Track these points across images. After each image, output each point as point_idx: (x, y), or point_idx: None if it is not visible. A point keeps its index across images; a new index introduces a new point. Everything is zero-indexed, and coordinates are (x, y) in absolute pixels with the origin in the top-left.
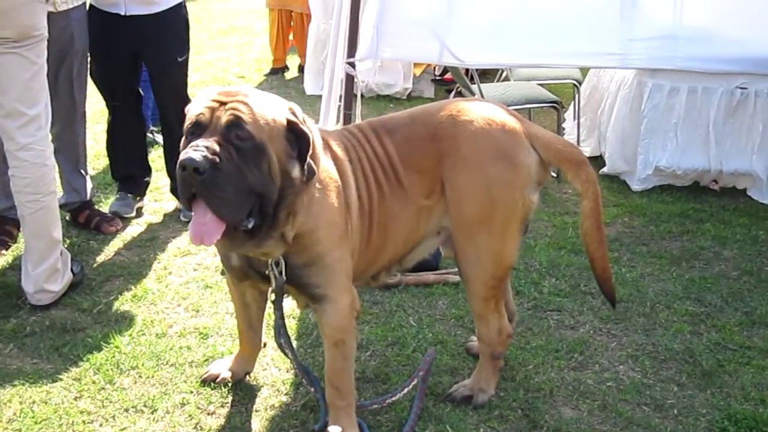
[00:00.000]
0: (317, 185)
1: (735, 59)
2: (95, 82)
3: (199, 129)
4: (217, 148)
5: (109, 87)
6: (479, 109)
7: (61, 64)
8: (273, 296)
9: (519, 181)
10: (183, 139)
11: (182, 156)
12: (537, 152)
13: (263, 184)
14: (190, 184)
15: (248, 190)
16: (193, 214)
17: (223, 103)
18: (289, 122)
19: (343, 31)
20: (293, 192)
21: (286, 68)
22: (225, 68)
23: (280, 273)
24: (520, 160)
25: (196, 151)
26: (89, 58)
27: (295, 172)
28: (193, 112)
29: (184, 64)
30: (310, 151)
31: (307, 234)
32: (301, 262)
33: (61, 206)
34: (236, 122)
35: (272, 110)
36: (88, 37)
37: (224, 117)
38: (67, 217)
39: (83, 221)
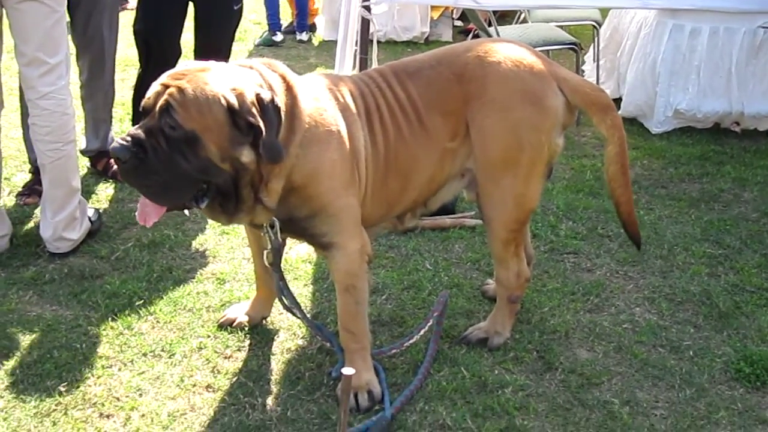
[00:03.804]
0: (313, 141)
1: None
2: (135, 35)
3: (145, 113)
4: (143, 137)
5: (154, 38)
6: (507, 51)
7: (91, 13)
8: (270, 258)
9: (546, 124)
10: None
11: (111, 144)
12: (564, 95)
13: (203, 171)
14: (120, 172)
15: (185, 177)
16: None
17: (167, 87)
18: (231, 109)
19: None
20: (249, 173)
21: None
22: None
23: (276, 235)
24: (548, 103)
25: (122, 140)
26: (136, 10)
27: (245, 157)
28: (146, 95)
29: (239, 14)
30: (263, 137)
31: (303, 188)
32: (304, 214)
33: (81, 152)
34: (167, 110)
35: (210, 97)
36: None
37: (158, 104)
38: (87, 164)
39: (101, 168)
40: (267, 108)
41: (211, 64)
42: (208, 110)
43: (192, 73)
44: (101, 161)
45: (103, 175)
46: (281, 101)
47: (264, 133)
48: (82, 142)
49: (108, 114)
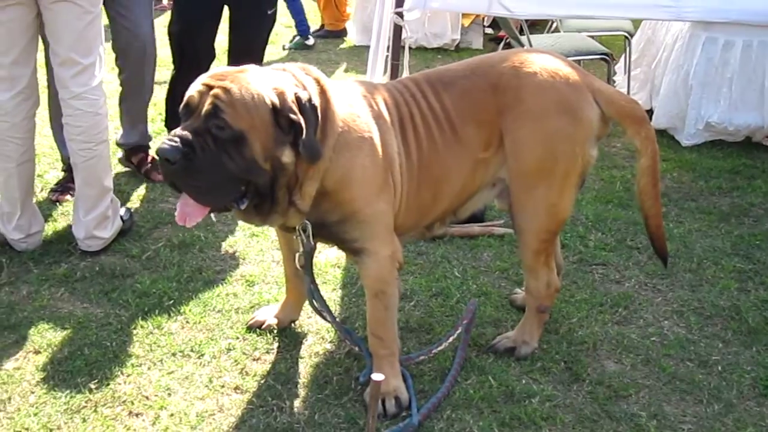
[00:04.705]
0: (345, 147)
1: None
2: (170, 36)
3: (187, 113)
4: (191, 137)
5: (189, 40)
6: (543, 61)
7: (131, 10)
8: (301, 261)
9: (581, 135)
10: None
11: (159, 145)
12: (599, 107)
13: (247, 171)
14: (167, 173)
15: (230, 177)
16: (180, 195)
17: (210, 87)
18: (275, 108)
19: None
20: (287, 174)
21: (344, 31)
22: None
23: (308, 238)
24: (583, 115)
25: (170, 141)
26: (172, 12)
27: (286, 157)
28: (186, 94)
29: (272, 18)
30: (304, 136)
31: (335, 193)
32: (336, 219)
33: (117, 143)
34: (214, 110)
35: (256, 97)
36: None
37: (206, 104)
38: (119, 155)
39: (136, 162)
40: (305, 107)
41: (248, 67)
42: (255, 110)
43: (232, 74)
44: (137, 155)
45: (135, 169)
46: (317, 102)
47: (304, 131)
48: (117, 135)
49: (146, 112)
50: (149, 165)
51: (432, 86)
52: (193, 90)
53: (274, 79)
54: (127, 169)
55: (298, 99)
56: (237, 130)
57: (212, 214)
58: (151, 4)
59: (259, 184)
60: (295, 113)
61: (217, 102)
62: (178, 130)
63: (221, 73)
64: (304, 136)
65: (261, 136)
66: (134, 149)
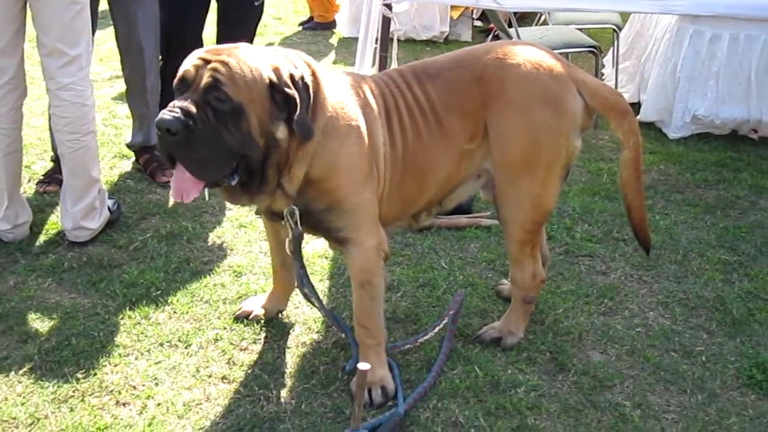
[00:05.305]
0: (333, 133)
1: None
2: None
3: (184, 87)
4: (192, 109)
5: (176, 33)
6: (526, 53)
7: (131, 7)
8: (290, 246)
9: (565, 126)
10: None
11: (158, 117)
12: (583, 98)
13: (242, 145)
14: (166, 145)
15: (226, 151)
16: (174, 171)
17: (207, 62)
18: (271, 83)
19: None
20: (279, 152)
21: (333, 23)
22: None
23: (296, 224)
24: (566, 106)
25: (171, 112)
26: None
27: (280, 133)
28: (181, 69)
29: (260, 9)
30: (298, 112)
31: (321, 181)
32: (321, 207)
33: (127, 145)
34: (214, 83)
35: (254, 71)
36: None
37: (204, 77)
38: (132, 159)
39: (142, 163)
40: (298, 85)
41: (241, 44)
42: (253, 83)
43: (228, 50)
44: (144, 156)
45: (142, 170)
46: (309, 82)
47: (297, 108)
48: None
49: (150, 109)
50: (155, 164)
51: (417, 78)
52: (189, 64)
53: (269, 56)
54: (114, 159)
55: (291, 76)
56: (237, 102)
57: (206, 191)
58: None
59: (251, 159)
60: (290, 88)
61: (217, 75)
62: (177, 101)
63: (217, 49)
64: (297, 113)
65: (258, 110)
66: (141, 150)
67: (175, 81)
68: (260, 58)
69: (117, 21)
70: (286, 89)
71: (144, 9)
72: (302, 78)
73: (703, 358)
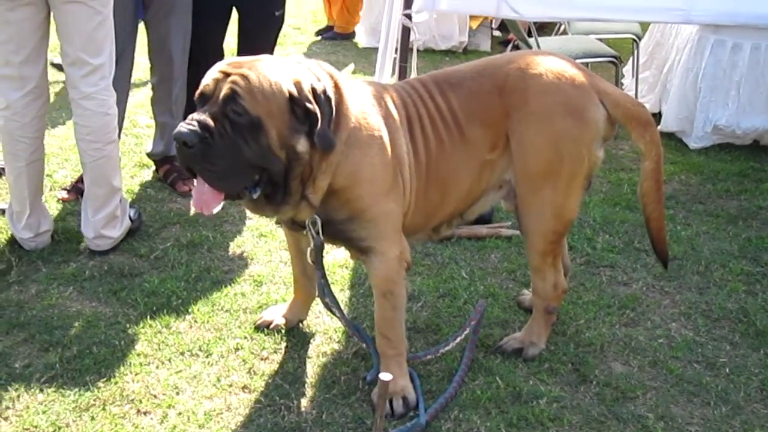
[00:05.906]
0: (355, 144)
1: None
2: None
3: (204, 100)
4: (210, 122)
5: (196, 41)
6: (549, 63)
7: (163, 16)
8: (312, 256)
9: (587, 136)
10: None
11: (175, 129)
12: (605, 108)
13: (262, 158)
14: (184, 157)
15: (245, 163)
16: (195, 182)
17: (227, 75)
18: (291, 97)
19: None
20: (301, 164)
21: (353, 34)
22: None
23: (317, 233)
24: (589, 116)
25: (188, 125)
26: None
27: (301, 146)
28: (202, 82)
29: (280, 20)
30: (319, 126)
31: (343, 191)
32: (343, 217)
33: (148, 154)
34: (232, 96)
35: (274, 84)
36: None
37: (223, 90)
38: (153, 169)
39: (162, 173)
40: (320, 98)
41: (264, 56)
42: (272, 97)
43: (249, 62)
44: (164, 166)
45: (163, 180)
46: (331, 95)
47: (319, 121)
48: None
49: (173, 119)
50: (175, 174)
51: (439, 87)
52: (209, 78)
53: (291, 69)
54: (134, 168)
55: (313, 90)
56: (254, 116)
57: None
58: (184, 8)
59: (273, 172)
60: (311, 102)
61: (235, 88)
62: (196, 114)
63: (238, 62)
64: (319, 126)
65: (277, 124)
66: (162, 161)
67: (196, 94)
68: (281, 71)
69: (151, 28)
70: (307, 103)
71: (179, 20)
72: (324, 91)
73: (727, 370)
